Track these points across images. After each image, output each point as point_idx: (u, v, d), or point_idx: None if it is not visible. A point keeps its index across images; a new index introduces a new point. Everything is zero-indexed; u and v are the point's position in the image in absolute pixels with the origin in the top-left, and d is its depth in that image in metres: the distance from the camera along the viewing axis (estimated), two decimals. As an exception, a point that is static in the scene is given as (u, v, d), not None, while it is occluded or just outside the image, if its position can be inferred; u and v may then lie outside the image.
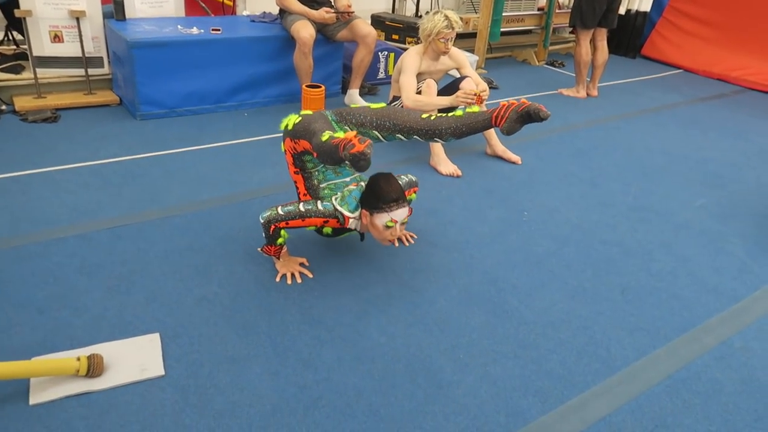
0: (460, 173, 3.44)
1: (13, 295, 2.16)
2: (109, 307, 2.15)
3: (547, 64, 6.40)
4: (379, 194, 2.14)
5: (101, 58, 4.18)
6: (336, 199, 2.25)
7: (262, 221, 2.27)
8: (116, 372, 1.86)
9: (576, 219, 3.06)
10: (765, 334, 2.29)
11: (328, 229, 2.34)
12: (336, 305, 2.25)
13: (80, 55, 4.02)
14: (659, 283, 2.57)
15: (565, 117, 4.67)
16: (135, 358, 1.92)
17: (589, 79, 5.26)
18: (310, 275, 2.41)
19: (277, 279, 2.36)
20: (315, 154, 2.09)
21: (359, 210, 2.23)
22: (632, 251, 2.80)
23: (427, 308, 2.28)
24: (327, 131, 2.05)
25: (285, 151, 2.35)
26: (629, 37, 7.06)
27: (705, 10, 6.58)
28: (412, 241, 2.72)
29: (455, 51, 3.65)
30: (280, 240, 2.31)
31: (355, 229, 2.32)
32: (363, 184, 2.25)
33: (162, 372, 1.88)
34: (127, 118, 3.91)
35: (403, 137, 2.27)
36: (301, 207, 2.23)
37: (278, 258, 2.40)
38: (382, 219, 2.15)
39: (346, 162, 1.94)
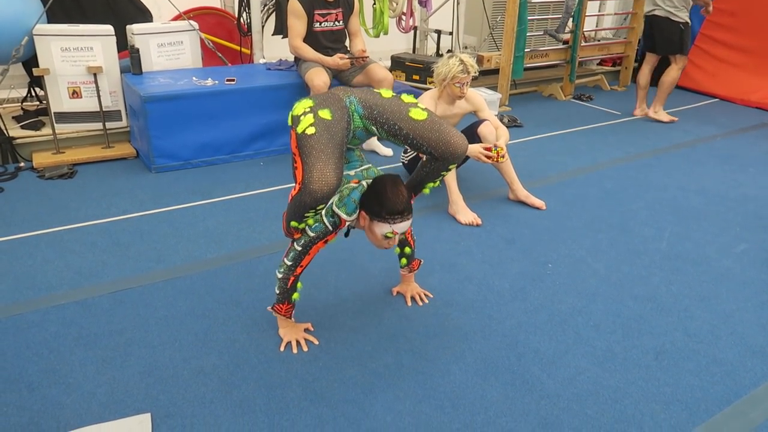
0: (479, 222, 3.27)
1: (5, 370, 2.07)
2: (101, 382, 2.03)
3: (574, 98, 6.21)
4: (384, 203, 1.94)
5: (119, 111, 4.20)
6: (332, 200, 2.06)
7: (280, 276, 2.15)
8: (100, 460, 1.74)
9: (604, 270, 2.85)
10: (822, 406, 2.04)
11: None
12: (341, 378, 2.09)
13: (98, 109, 4.04)
14: (698, 344, 2.33)
15: (593, 155, 4.47)
16: (122, 444, 1.79)
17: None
18: (316, 342, 2.26)
19: (282, 348, 2.22)
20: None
21: (357, 212, 2.04)
22: (667, 307, 2.57)
23: (440, 380, 2.10)
24: (296, 222, 2.05)
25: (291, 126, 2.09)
26: (660, 67, 6.83)
27: (739, 37, 6.32)
28: (426, 300, 2.55)
29: (472, 94, 3.52)
30: (295, 295, 2.20)
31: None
32: (365, 183, 2.05)
33: (148, 460, 1.75)
34: (143, 172, 3.88)
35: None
36: (297, 246, 2.11)
37: (289, 317, 2.26)
38: (382, 229, 1.98)
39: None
